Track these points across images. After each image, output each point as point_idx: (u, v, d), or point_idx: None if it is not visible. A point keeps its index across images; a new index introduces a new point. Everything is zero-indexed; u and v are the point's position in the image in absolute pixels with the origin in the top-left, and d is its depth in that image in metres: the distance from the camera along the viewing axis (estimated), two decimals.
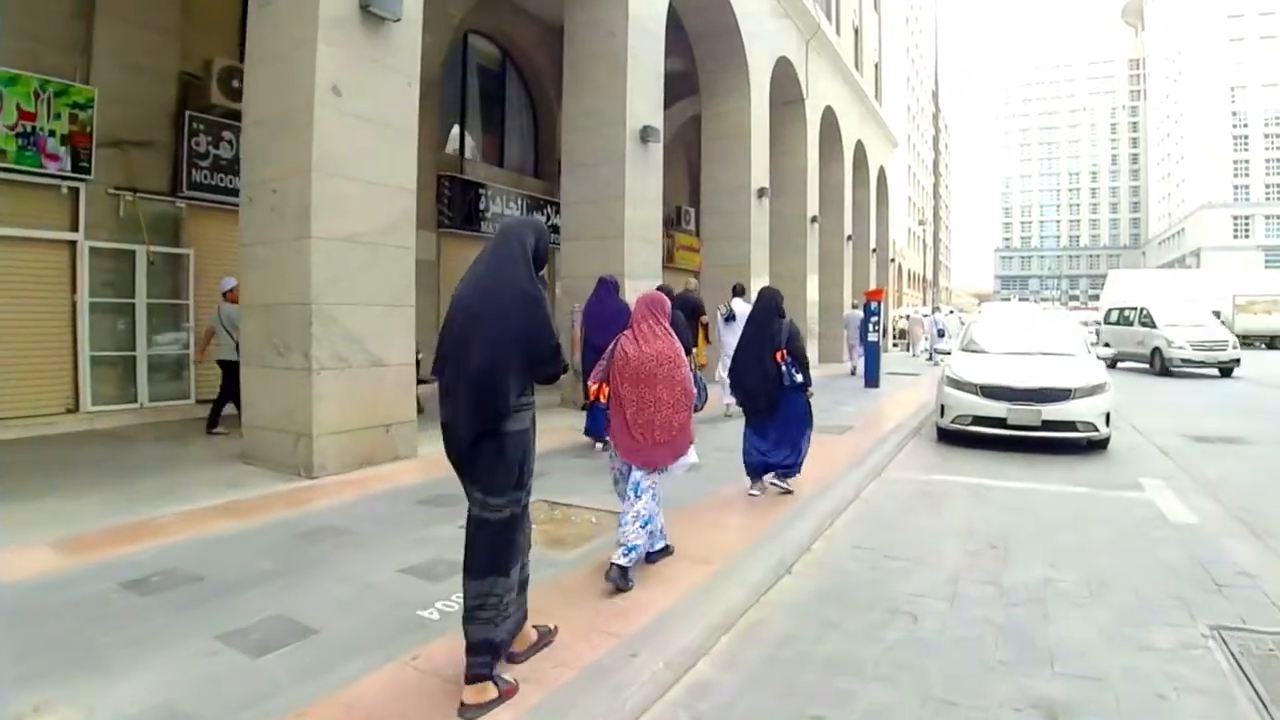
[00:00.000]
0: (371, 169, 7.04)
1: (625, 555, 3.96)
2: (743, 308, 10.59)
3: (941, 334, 23.38)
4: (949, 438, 8.97)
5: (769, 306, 6.10)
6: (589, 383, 4.47)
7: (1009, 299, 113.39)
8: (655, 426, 4.12)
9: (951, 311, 28.33)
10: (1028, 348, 9.59)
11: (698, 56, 15.96)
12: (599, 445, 7.61)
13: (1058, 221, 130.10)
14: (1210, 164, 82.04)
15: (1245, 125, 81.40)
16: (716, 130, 15.95)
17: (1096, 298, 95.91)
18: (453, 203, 15.07)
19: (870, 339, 15.09)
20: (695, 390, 4.33)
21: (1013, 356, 9.29)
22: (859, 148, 26.35)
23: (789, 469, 5.98)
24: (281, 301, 6.94)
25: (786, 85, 18.84)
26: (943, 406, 8.82)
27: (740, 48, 15.52)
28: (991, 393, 8.36)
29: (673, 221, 23.51)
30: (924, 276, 64.61)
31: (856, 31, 26.65)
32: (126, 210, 10.13)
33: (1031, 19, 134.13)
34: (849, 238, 24.17)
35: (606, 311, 7.83)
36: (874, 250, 28.32)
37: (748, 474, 6.04)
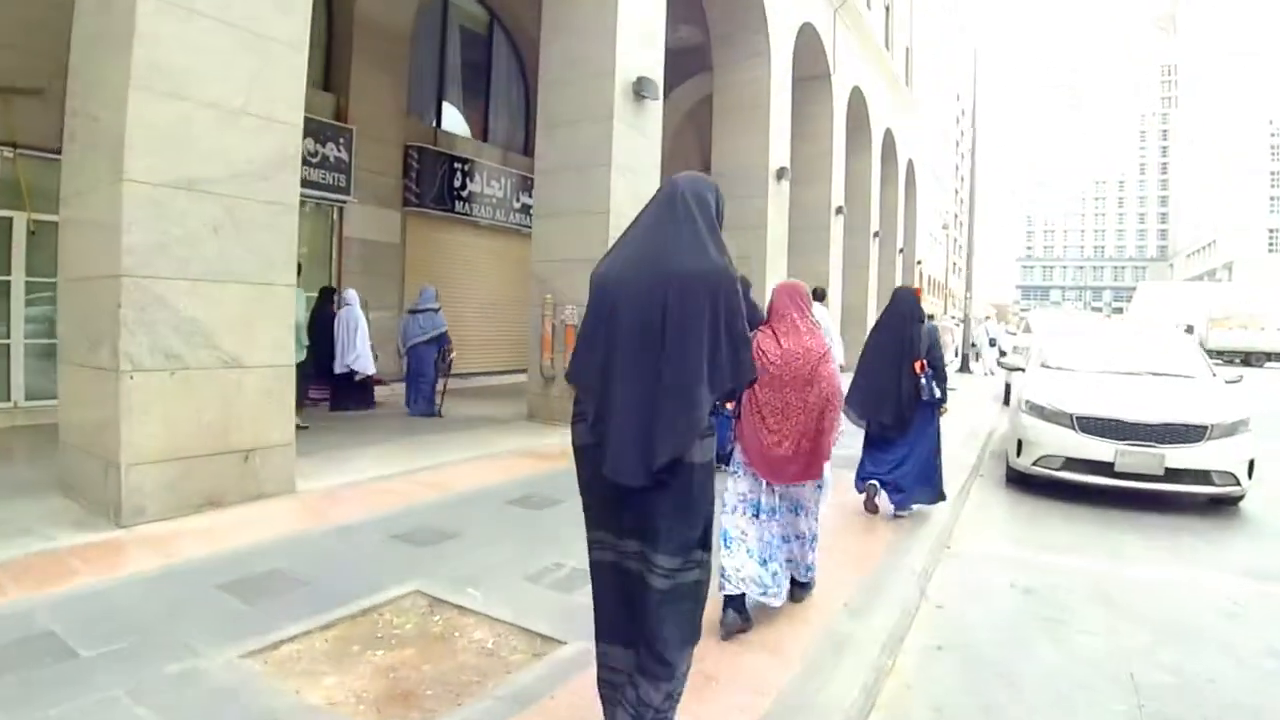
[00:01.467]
0: (231, 90, 4.94)
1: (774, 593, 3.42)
2: (821, 312, 9.61)
3: (994, 343, 20.97)
4: (1023, 482, 6.77)
5: (907, 310, 5.38)
6: None
7: (1028, 309, 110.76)
8: (799, 435, 3.48)
9: (988, 318, 25.84)
10: (1132, 365, 7.31)
11: (710, 17, 13.79)
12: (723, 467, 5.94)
13: (1082, 231, 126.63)
14: (1245, 174, 78.87)
15: None
16: (730, 101, 13.78)
17: (1120, 310, 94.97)
18: (422, 177, 12.97)
19: None
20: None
21: (1116, 377, 7.03)
22: (888, 136, 24.10)
23: (900, 492, 5.25)
24: (89, 274, 4.87)
25: (811, 58, 16.66)
26: (1020, 442, 6.54)
27: (759, 6, 13.34)
28: (1093, 427, 6.10)
29: None
30: (945, 283, 62.32)
31: (887, 9, 24.41)
32: (4, 169, 8.20)
33: (1060, 22, 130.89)
34: (876, 235, 21.89)
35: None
36: (901, 250, 26.06)
37: (859, 489, 5.40)
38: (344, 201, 11.70)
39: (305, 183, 11.28)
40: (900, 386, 5.18)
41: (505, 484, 5.91)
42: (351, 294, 10.14)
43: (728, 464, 6.26)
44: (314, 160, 11.15)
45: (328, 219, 11.75)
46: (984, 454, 8.24)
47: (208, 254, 4.86)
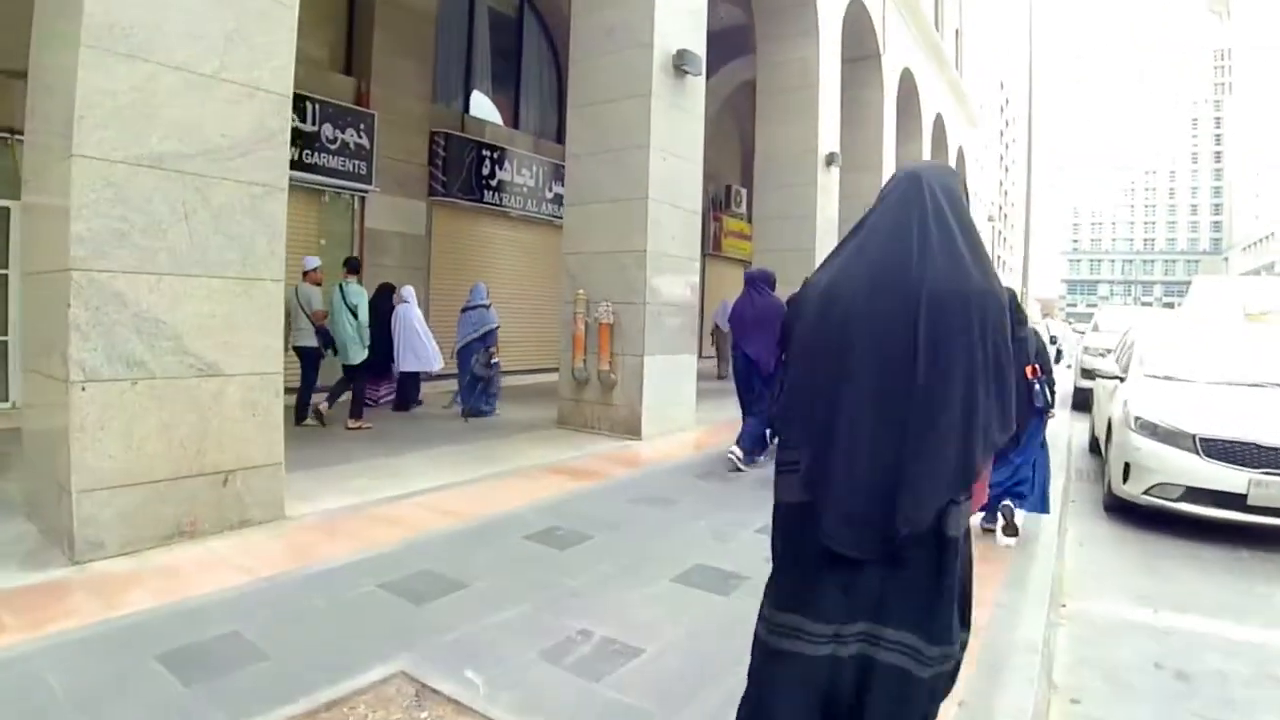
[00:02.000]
0: (203, 52, 4.20)
1: None
2: None
3: (1054, 341, 19.68)
4: (1125, 510, 5.83)
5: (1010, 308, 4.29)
6: None
7: (1074, 305, 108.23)
8: None
9: (1046, 315, 24.52)
10: (1257, 375, 6.24)
11: None
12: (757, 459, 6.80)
13: (1131, 223, 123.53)
14: None
15: None
16: (776, 83, 12.84)
17: (1171, 305, 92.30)
18: (449, 165, 12.25)
19: None
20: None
21: (1241, 390, 6.02)
22: (938, 123, 22.94)
23: (1022, 499, 4.80)
24: (41, 268, 4.18)
25: (860, 38, 15.64)
26: (1127, 466, 5.55)
27: None
28: (1221, 451, 5.12)
29: (721, 203, 20.46)
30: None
31: None
32: (3, 156, 7.64)
33: (1108, 9, 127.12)
34: None
35: (759, 311, 6.78)
36: None
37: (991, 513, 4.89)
38: (365, 190, 11.02)
39: (324, 170, 10.67)
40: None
41: (527, 511, 5.12)
42: (409, 291, 9.78)
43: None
44: (333, 147, 10.49)
45: (348, 209, 11.07)
46: (1070, 473, 7.29)
47: (177, 243, 4.13)
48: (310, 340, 8.20)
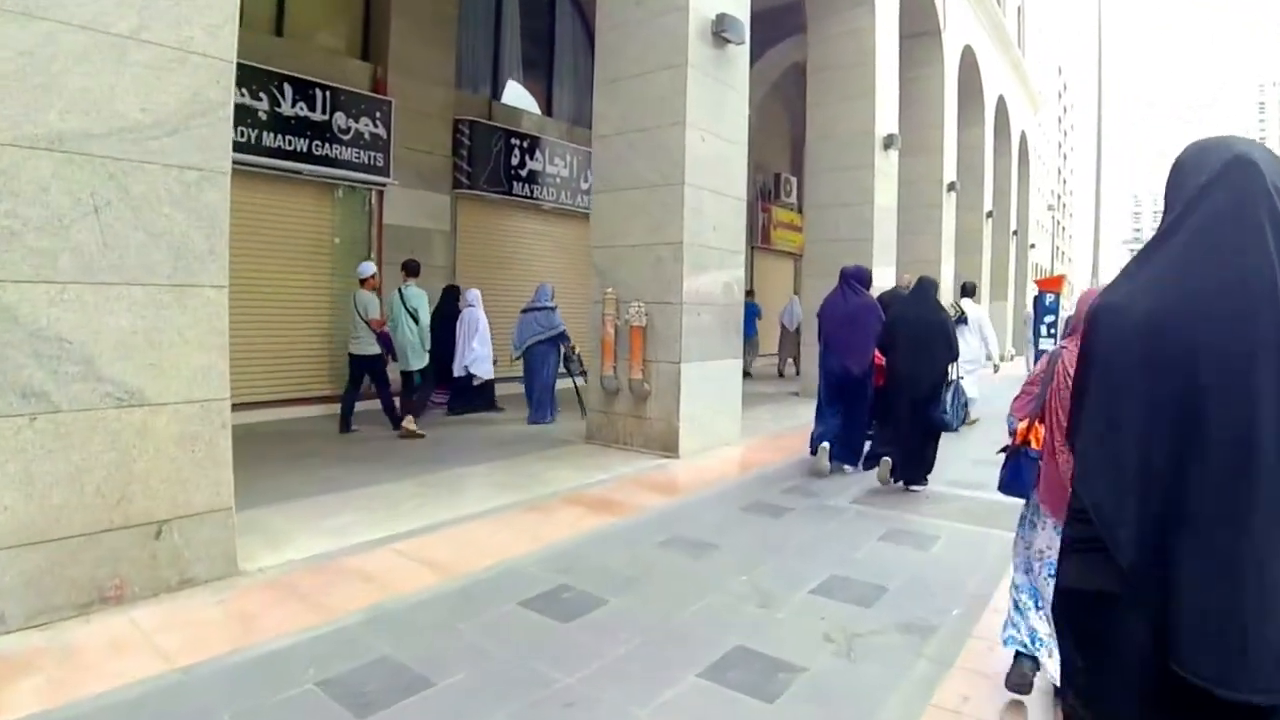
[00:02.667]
0: (115, 5, 3.38)
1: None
2: (975, 310, 8.96)
3: None
4: None
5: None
6: (1014, 417, 2.99)
7: None
8: None
9: None
10: None
11: None
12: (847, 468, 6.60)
13: None
14: None
15: None
16: (829, 59, 11.75)
17: None
18: (475, 155, 11.46)
19: (1043, 346, 10.76)
20: None
21: None
22: (1000, 105, 21.52)
23: None
24: None
25: (919, 12, 14.46)
26: None
27: None
28: None
29: (770, 192, 19.39)
30: (1051, 271, 58.29)
31: None
32: None
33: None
34: (989, 215, 19.44)
35: (853, 310, 6.55)
36: (1014, 233, 23.41)
37: None
38: (383, 184, 10.27)
39: (336, 162, 9.92)
40: None
41: (531, 560, 4.23)
42: (474, 294, 9.53)
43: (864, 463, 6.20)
44: (346, 137, 9.75)
45: (364, 204, 10.32)
46: None
47: (85, 243, 3.31)
48: (371, 348, 8.04)
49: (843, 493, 5.94)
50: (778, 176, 19.39)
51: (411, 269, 8.40)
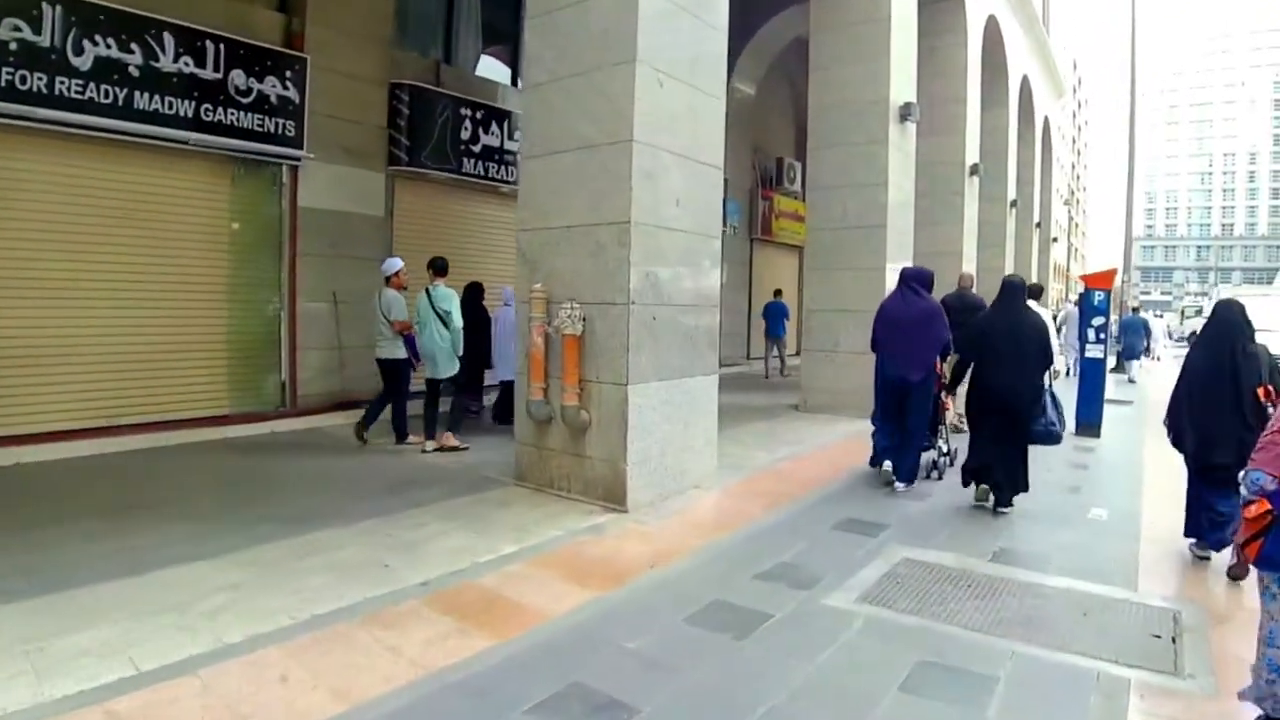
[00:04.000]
0: None
1: None
2: (1042, 315, 7.22)
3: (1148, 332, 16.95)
4: None
5: (1235, 321, 4.36)
6: (1263, 472, 2.67)
7: (1148, 293, 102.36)
8: None
9: (1136, 308, 20.94)
10: None
11: None
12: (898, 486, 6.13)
13: (1208, 208, 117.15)
14: None
15: None
16: (836, 15, 9.88)
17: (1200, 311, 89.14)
18: (417, 127, 9.68)
19: (1090, 354, 8.88)
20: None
21: None
22: (1024, 87, 19.58)
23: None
24: None
25: None
26: None
27: None
28: None
29: (771, 179, 17.54)
30: (1066, 267, 56.31)
31: None
32: None
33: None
34: (1013, 204, 17.51)
35: (915, 315, 6.05)
36: (1037, 225, 21.51)
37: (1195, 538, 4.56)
38: (295, 158, 8.50)
39: (234, 131, 7.93)
40: (1236, 416, 4.21)
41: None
42: (509, 291, 8.20)
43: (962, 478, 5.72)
44: (245, 101, 7.99)
45: (272, 182, 8.54)
46: None
47: None
48: (397, 352, 7.44)
49: (851, 575, 4.14)
50: (780, 161, 17.50)
51: (439, 267, 7.53)
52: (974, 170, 13.46)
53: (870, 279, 9.41)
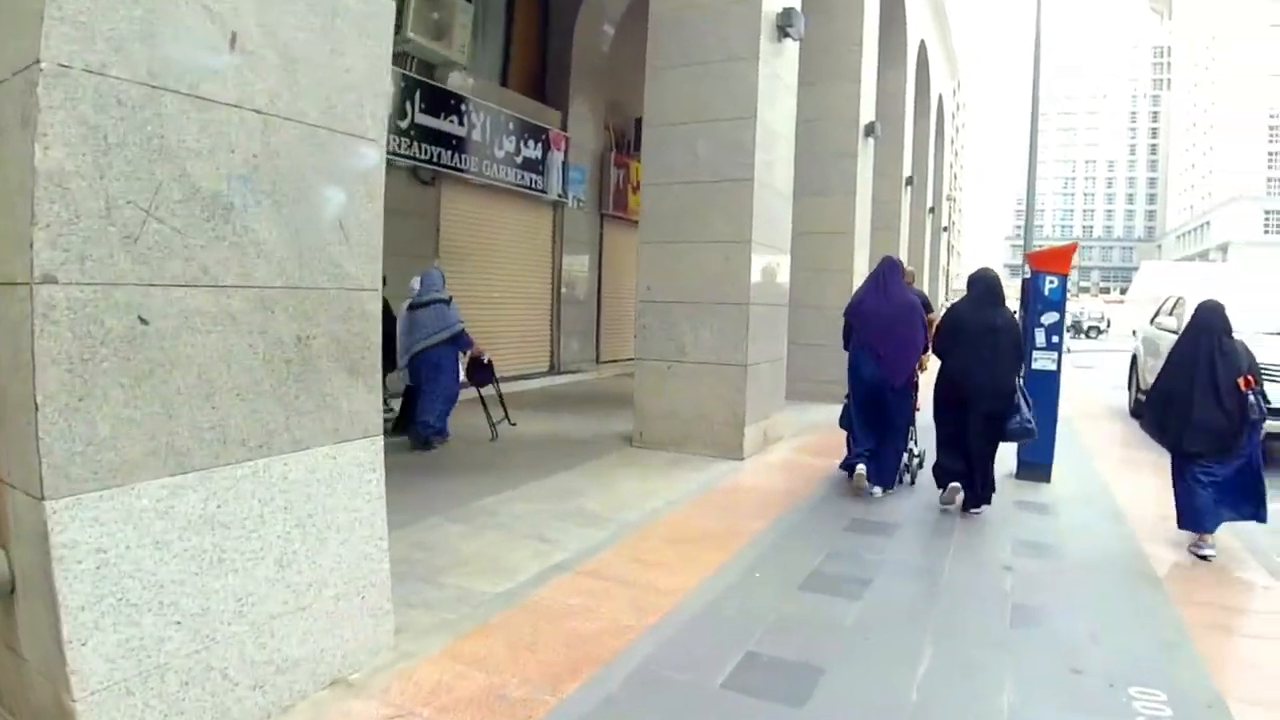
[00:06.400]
0: None
1: None
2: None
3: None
4: None
5: (1214, 321, 4.78)
6: None
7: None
8: None
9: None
10: None
11: None
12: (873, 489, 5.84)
13: (1070, 210, 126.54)
14: (1242, 155, 79.15)
15: None
16: None
17: (1107, 290, 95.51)
18: None
19: (1039, 364, 6.20)
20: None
21: None
22: (922, 53, 17.21)
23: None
24: None
25: None
26: None
27: None
28: None
29: (629, 143, 14.52)
30: (945, 263, 56.04)
31: None
32: None
33: (1053, 6, 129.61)
34: (908, 181, 15.03)
35: (896, 310, 5.68)
36: (930, 209, 19.35)
37: (1192, 528, 4.69)
38: None
39: None
40: (1225, 407, 4.57)
41: None
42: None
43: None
44: None
45: None
46: None
47: None
48: None
49: None
50: (640, 122, 14.42)
51: None
52: (870, 130, 10.76)
53: (731, 258, 6.52)
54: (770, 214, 6.86)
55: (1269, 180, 78.39)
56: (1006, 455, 6.15)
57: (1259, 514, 4.60)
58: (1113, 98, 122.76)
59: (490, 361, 7.54)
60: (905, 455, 6.09)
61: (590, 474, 6.16)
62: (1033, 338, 6.17)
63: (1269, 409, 4.73)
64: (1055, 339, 6.16)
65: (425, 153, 9.31)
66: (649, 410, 7.03)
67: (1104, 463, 7.28)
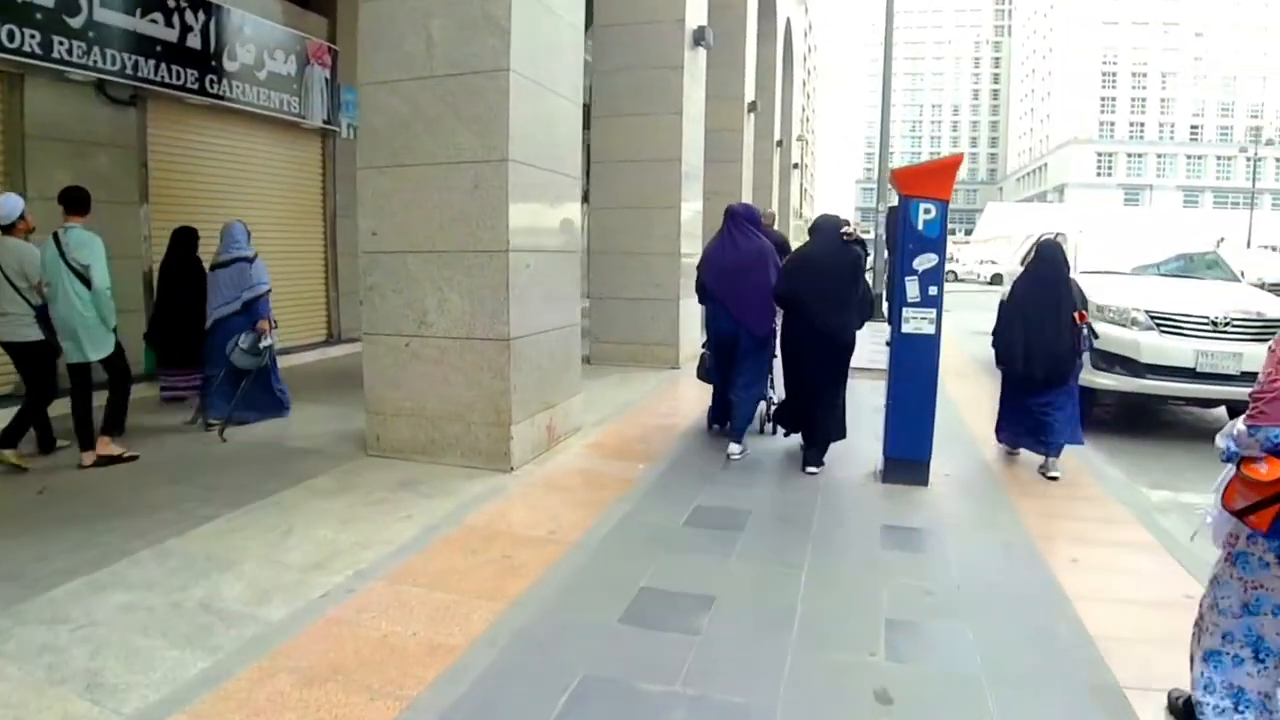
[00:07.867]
0: None
1: None
2: None
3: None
4: None
5: (1059, 259, 5.13)
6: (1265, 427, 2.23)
7: (868, 232, 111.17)
8: None
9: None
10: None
11: None
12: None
13: (918, 154, 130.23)
14: (1077, 100, 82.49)
15: (1114, 62, 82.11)
16: None
17: (953, 231, 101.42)
18: None
19: (911, 326, 4.53)
20: None
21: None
22: None
23: (1053, 446, 5.01)
24: None
25: None
26: None
27: None
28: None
29: None
30: (800, 207, 55.85)
31: None
32: None
33: None
34: (751, 107, 13.25)
35: (745, 257, 5.35)
36: (778, 143, 17.85)
37: (1005, 443, 5.38)
38: None
39: None
40: (1062, 340, 4.93)
41: None
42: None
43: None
44: None
45: None
46: None
47: None
48: (27, 330, 4.87)
49: None
50: None
51: (74, 202, 4.90)
52: (699, 39, 8.78)
53: (481, 184, 4.52)
54: (544, 122, 4.87)
55: (1101, 124, 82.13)
56: (871, 451, 5.19)
57: (1075, 437, 5.10)
58: (957, 44, 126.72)
59: (270, 344, 6.23)
60: (764, 404, 5.90)
61: (282, 510, 4.11)
62: (902, 289, 4.46)
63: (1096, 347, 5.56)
64: (933, 290, 4.45)
65: (115, 61, 6.72)
66: (385, 405, 5.00)
67: (993, 450, 5.61)
